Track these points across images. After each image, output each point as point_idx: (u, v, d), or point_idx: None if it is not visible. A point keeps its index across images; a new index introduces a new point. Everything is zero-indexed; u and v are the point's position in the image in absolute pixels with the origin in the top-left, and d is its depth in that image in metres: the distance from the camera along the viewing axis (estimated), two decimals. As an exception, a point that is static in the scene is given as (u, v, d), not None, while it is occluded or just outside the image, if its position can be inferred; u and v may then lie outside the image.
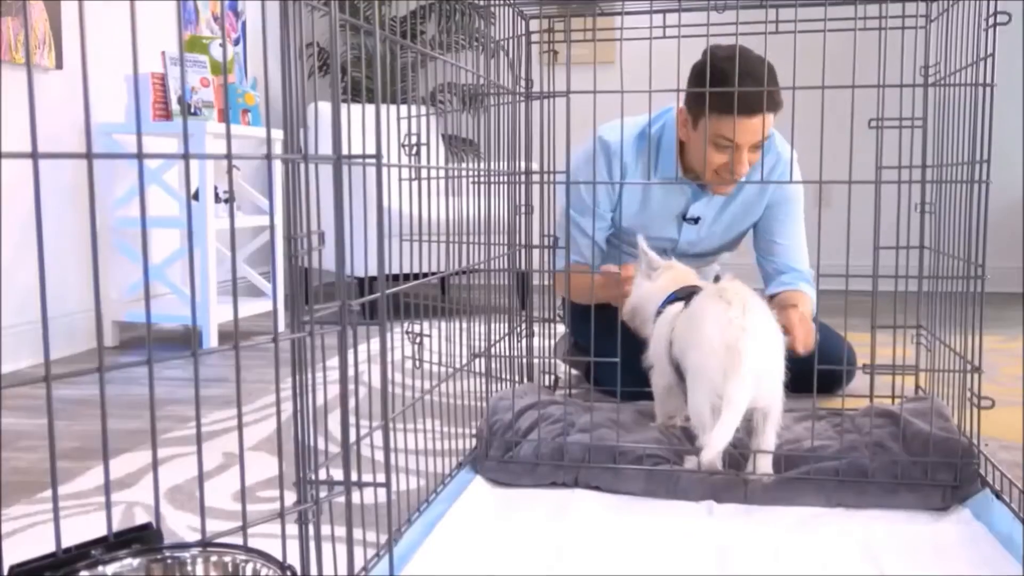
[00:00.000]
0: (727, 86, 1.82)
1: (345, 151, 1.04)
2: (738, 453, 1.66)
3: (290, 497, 1.08)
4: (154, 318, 3.32)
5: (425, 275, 1.57)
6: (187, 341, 3.42)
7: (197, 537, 0.97)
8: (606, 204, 2.30)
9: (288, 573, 0.94)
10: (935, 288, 1.80)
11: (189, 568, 0.94)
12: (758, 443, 1.65)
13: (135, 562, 0.92)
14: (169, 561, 0.94)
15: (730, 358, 1.56)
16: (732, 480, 1.62)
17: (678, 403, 1.84)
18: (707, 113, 2.05)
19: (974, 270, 1.58)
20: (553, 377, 2.34)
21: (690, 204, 2.30)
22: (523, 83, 2.13)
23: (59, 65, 3.00)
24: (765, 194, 2.32)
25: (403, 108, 3.06)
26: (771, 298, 2.36)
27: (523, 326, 2.24)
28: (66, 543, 0.90)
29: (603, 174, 2.26)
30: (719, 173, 2.12)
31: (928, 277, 1.79)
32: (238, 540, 0.98)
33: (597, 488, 1.67)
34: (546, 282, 2.18)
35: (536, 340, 2.27)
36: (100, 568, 0.90)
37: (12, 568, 0.85)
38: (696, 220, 2.32)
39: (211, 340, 3.20)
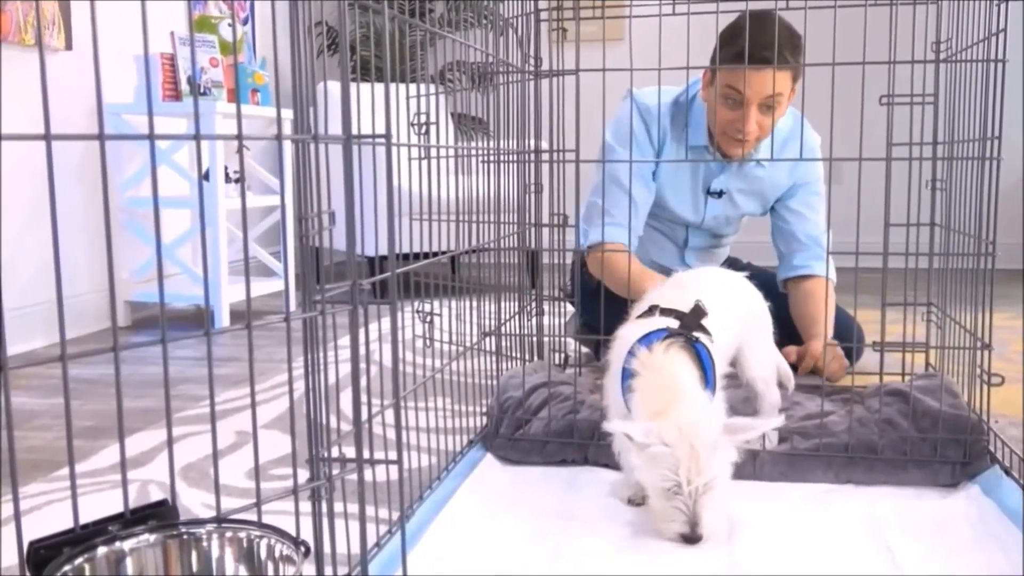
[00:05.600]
0: (742, 39, 1.80)
1: (355, 131, 1.04)
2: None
3: (303, 475, 1.09)
4: (166, 298, 3.34)
5: (436, 254, 1.57)
6: (198, 321, 3.44)
7: (211, 514, 0.99)
8: (647, 166, 2.28)
9: (302, 549, 0.95)
10: (946, 265, 1.79)
11: (205, 543, 0.96)
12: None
13: (152, 538, 0.94)
14: (185, 537, 0.96)
15: None
16: (743, 456, 1.62)
17: None
18: (718, 60, 2.04)
19: (984, 247, 1.57)
20: (563, 355, 2.34)
21: (714, 177, 2.31)
22: (532, 61, 2.12)
23: (68, 46, 3.01)
24: (792, 176, 2.31)
25: (412, 87, 3.06)
26: (785, 284, 2.35)
27: (533, 305, 2.24)
28: (83, 520, 0.92)
29: (642, 133, 2.25)
30: (728, 133, 2.12)
31: (939, 254, 1.78)
32: (252, 517, 0.99)
33: (606, 466, 1.68)
34: (557, 261, 2.18)
35: (546, 319, 2.28)
36: (118, 544, 0.92)
37: (32, 543, 0.86)
38: (720, 194, 2.32)
39: (223, 320, 3.22)
